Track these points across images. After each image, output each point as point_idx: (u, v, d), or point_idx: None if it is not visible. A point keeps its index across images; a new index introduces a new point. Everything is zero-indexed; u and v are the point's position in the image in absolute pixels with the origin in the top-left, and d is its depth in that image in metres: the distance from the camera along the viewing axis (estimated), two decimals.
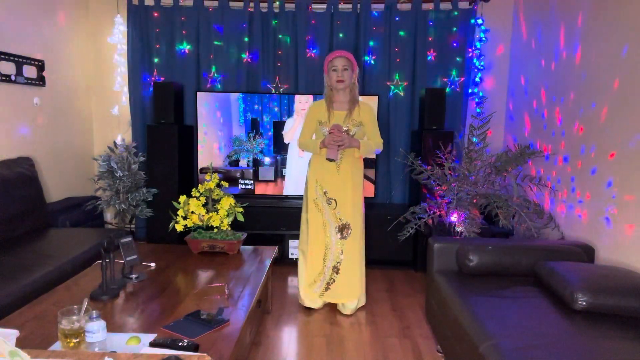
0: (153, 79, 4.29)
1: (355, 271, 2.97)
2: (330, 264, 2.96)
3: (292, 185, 4.09)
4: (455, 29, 4.17)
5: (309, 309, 3.05)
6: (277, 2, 4.18)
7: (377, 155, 4.09)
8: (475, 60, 4.20)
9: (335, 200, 2.94)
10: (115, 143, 3.80)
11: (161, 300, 2.10)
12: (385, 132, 4.29)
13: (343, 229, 2.94)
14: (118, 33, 4.27)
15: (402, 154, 3.78)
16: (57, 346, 1.60)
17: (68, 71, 4.05)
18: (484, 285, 2.31)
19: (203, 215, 2.84)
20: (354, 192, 2.95)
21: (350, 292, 2.97)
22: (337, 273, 2.95)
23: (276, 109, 4.06)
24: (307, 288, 3.01)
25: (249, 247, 2.98)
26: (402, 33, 4.18)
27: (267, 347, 2.58)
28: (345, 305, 3.00)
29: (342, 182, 2.93)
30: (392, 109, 4.28)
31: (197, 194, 2.90)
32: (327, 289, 2.98)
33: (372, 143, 2.95)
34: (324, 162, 2.90)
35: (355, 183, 2.96)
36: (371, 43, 4.22)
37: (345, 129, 2.88)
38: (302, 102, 4.02)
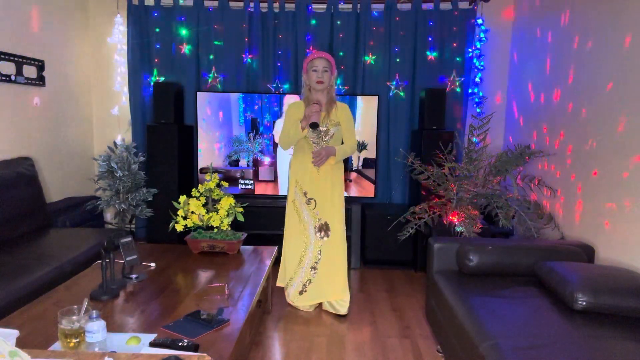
0: (153, 79, 4.30)
1: (338, 270, 2.95)
2: (308, 264, 2.96)
3: (287, 185, 4.08)
4: (455, 29, 4.17)
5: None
6: (277, 2, 4.18)
7: (377, 155, 4.09)
8: (475, 60, 4.20)
9: (314, 200, 2.95)
10: (115, 143, 3.80)
11: (161, 300, 2.10)
12: (385, 132, 4.30)
13: (322, 229, 2.95)
14: (118, 33, 4.27)
15: (402, 154, 3.78)
16: (57, 346, 1.60)
17: (68, 71, 4.05)
18: (484, 285, 2.31)
19: (203, 215, 2.85)
20: (334, 192, 2.96)
21: (332, 290, 2.96)
22: (315, 272, 2.96)
23: (276, 108, 4.06)
24: (288, 289, 3.04)
25: (249, 247, 2.98)
26: (402, 33, 4.18)
27: (267, 347, 2.58)
28: (333, 304, 2.98)
29: (322, 181, 2.94)
30: (392, 109, 4.28)
31: (197, 194, 2.90)
32: (302, 291, 2.97)
33: (347, 147, 2.97)
34: (305, 163, 2.93)
35: (335, 182, 2.97)
36: (371, 43, 4.22)
37: (324, 128, 2.91)
38: None
